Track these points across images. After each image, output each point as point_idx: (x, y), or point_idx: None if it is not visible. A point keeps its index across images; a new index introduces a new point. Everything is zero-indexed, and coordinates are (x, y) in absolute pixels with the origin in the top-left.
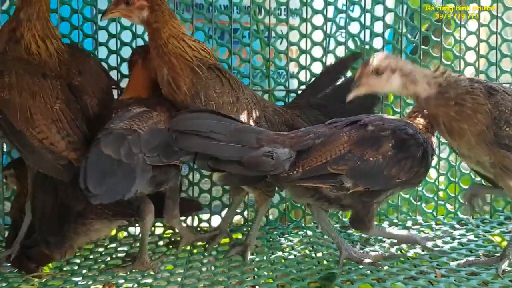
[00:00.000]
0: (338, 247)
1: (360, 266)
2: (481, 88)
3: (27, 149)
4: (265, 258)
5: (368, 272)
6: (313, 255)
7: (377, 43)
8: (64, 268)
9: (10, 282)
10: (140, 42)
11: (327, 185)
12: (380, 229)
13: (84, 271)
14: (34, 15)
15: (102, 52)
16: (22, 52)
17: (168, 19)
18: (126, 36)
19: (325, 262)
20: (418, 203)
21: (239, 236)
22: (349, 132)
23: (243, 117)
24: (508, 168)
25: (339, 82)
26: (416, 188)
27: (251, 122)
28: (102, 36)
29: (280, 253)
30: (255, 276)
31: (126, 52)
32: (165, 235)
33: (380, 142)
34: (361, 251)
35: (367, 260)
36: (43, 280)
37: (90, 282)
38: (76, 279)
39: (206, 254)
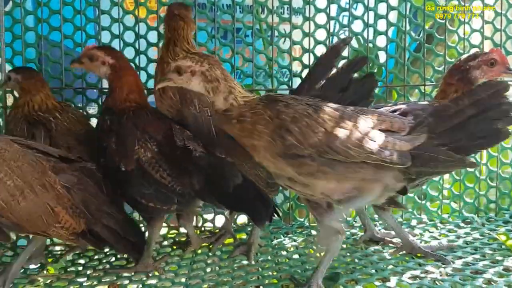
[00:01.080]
0: (364, 226)
1: (365, 266)
2: (265, 101)
3: None
4: (269, 258)
5: (373, 271)
6: (317, 254)
7: (381, 41)
8: (69, 269)
9: (15, 283)
10: (143, 42)
11: None
12: (395, 220)
13: (89, 272)
14: None
15: None
16: None
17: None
18: (129, 36)
19: None
20: (423, 202)
21: (244, 236)
22: None
23: None
24: (313, 174)
25: (333, 71)
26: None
27: None
28: (105, 36)
29: (284, 253)
30: (260, 276)
31: (129, 53)
32: (169, 235)
33: None
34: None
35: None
36: (48, 281)
37: (95, 283)
38: (81, 280)
39: (210, 254)
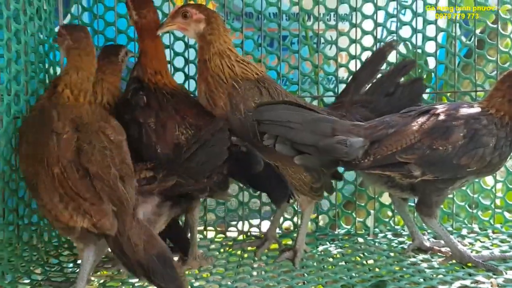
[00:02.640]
0: (411, 235)
1: (413, 275)
2: None
3: None
4: (315, 264)
5: (421, 280)
6: (364, 262)
7: (430, 47)
8: (121, 270)
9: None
10: (192, 52)
11: (395, 173)
12: (442, 228)
13: None
14: None
15: None
16: None
17: (222, 32)
18: (180, 46)
19: (376, 269)
20: (474, 211)
21: (289, 241)
22: (421, 121)
23: None
24: None
25: (379, 74)
26: (472, 195)
27: None
28: None
29: (330, 260)
30: (305, 282)
31: (179, 63)
32: (216, 239)
33: (451, 132)
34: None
35: (436, 248)
36: (102, 281)
37: (146, 284)
38: (133, 280)
39: (256, 258)
